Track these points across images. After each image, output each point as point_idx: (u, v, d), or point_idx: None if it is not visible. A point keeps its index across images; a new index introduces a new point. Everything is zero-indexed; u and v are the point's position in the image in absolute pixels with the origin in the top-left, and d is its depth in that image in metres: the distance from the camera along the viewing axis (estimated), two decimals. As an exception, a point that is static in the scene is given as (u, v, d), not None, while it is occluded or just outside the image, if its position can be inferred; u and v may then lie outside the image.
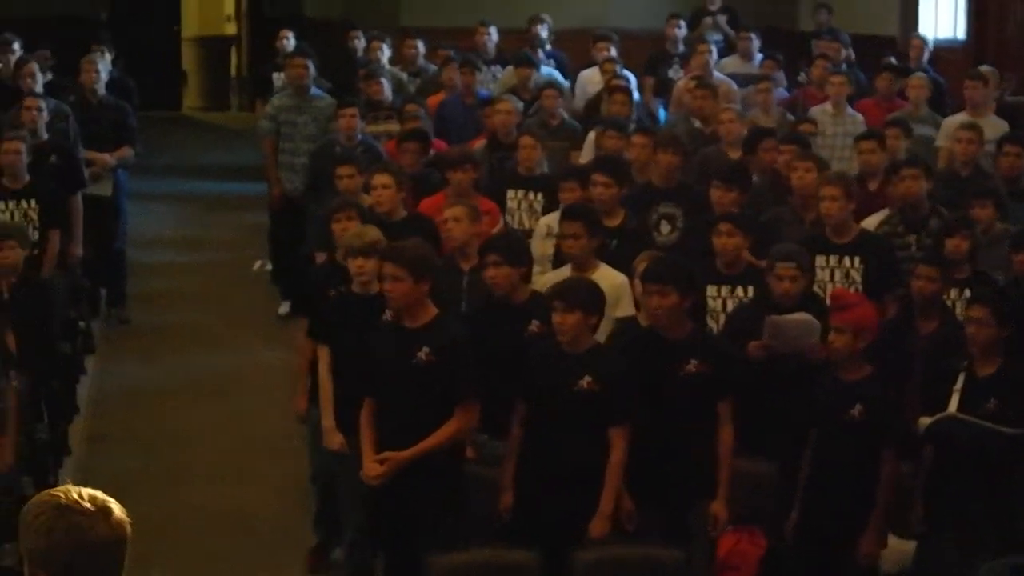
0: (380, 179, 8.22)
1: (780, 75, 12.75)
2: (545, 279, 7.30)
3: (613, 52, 12.53)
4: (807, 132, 10.09)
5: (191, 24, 22.51)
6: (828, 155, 10.11)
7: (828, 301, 6.90)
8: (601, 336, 6.72)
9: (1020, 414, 6.31)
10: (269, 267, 12.60)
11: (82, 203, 10.18)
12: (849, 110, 11.09)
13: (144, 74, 15.62)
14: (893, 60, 12.73)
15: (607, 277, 7.22)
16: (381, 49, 12.80)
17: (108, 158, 11.13)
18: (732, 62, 13.18)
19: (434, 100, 11.67)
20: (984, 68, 11.40)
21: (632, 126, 10.02)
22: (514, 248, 6.95)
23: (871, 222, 8.52)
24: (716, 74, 12.14)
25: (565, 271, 7.32)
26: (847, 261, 7.83)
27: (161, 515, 7.63)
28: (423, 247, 6.48)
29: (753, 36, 13.34)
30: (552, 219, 8.25)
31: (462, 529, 6.21)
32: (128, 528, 2.99)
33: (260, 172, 12.76)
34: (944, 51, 14.41)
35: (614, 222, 8.10)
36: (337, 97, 11.36)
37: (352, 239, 7.06)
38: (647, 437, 6.28)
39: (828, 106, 11.11)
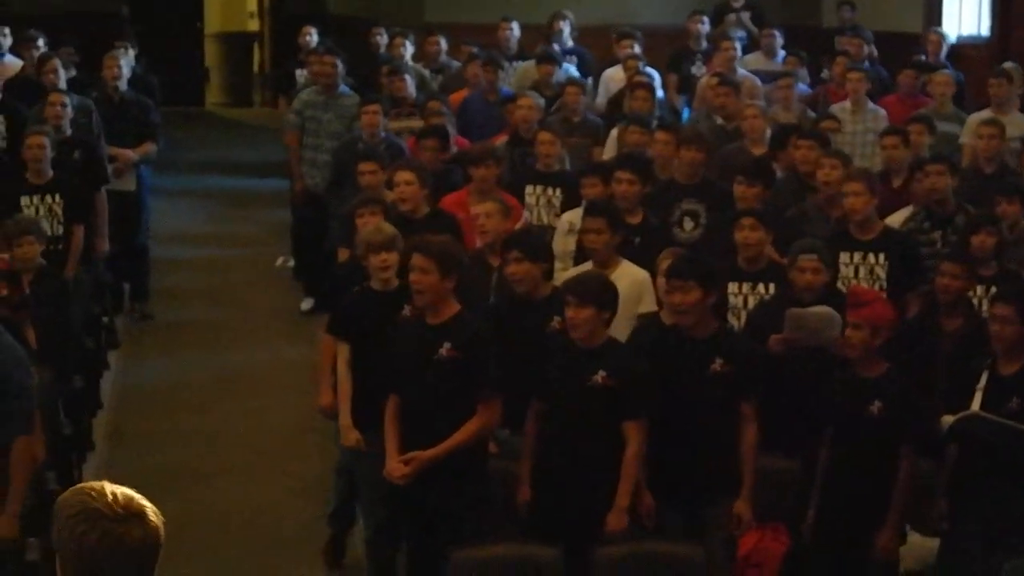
0: (403, 176, 8.20)
1: (803, 72, 12.71)
2: (567, 276, 7.28)
3: (636, 49, 12.48)
4: (829, 129, 10.03)
5: (214, 20, 22.51)
6: (849, 152, 10.03)
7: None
8: (623, 333, 6.72)
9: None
10: (292, 263, 12.59)
11: (106, 199, 10.23)
12: (871, 105, 11.03)
13: (167, 70, 15.61)
14: (923, 57, 12.66)
15: (629, 273, 7.21)
16: (404, 45, 12.80)
17: (131, 154, 11.16)
18: (755, 59, 13.13)
19: (457, 97, 11.65)
20: (1008, 65, 11.35)
21: (655, 123, 10.00)
22: (535, 244, 6.95)
23: (896, 219, 8.49)
24: (740, 70, 12.11)
25: (587, 267, 7.31)
26: (871, 258, 7.81)
27: (183, 511, 7.62)
28: (453, 244, 6.49)
29: (776, 33, 13.28)
30: (574, 215, 8.24)
31: (484, 524, 6.21)
32: (161, 532, 2.93)
33: (283, 168, 12.78)
34: (968, 48, 14.36)
35: (635, 219, 8.10)
36: (360, 94, 11.35)
37: (371, 235, 7.04)
38: (669, 435, 6.27)
39: (847, 103, 11.05)
